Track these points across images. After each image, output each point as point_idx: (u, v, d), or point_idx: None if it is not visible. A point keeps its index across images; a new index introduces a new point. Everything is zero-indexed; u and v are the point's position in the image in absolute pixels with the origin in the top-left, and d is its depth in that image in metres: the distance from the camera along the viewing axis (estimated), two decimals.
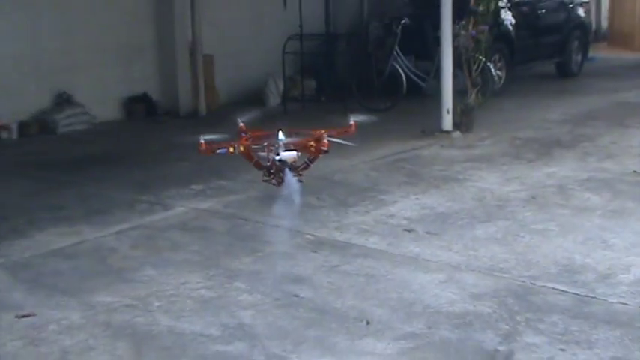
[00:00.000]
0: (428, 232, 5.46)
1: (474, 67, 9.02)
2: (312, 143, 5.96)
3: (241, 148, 6.00)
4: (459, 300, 4.28)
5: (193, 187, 6.73)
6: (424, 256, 5.00)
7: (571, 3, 13.52)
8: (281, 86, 11.56)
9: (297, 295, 4.40)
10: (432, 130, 8.72)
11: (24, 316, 4.22)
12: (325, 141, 5.87)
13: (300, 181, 5.95)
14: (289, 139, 5.92)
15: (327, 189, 6.63)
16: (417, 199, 6.30)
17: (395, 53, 10.82)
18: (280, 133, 5.88)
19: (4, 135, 9.28)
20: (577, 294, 4.32)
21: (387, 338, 3.85)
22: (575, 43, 13.67)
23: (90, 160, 8.08)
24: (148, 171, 7.28)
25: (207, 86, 11.06)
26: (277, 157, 5.77)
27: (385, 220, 5.75)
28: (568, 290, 4.37)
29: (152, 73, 10.95)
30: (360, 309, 4.19)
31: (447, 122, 8.69)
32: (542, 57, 13.06)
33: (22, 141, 9.30)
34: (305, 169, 6.15)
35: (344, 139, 6.23)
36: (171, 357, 3.73)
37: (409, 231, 5.50)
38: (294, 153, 5.88)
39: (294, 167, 5.95)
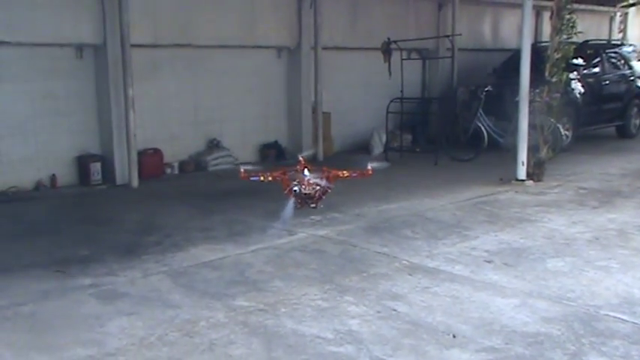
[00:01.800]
0: (505, 264, 5.31)
1: (546, 128, 8.77)
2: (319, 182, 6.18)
3: (270, 178, 6.29)
4: (532, 322, 4.13)
5: (313, 217, 6.77)
6: (501, 283, 4.86)
7: (632, 76, 12.98)
8: (384, 139, 11.61)
9: (395, 310, 4.36)
10: (508, 178, 8.55)
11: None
12: (330, 183, 6.15)
13: (314, 207, 6.22)
14: (310, 175, 6.17)
15: (420, 224, 6.59)
16: (496, 235, 6.16)
17: (479, 114, 10.70)
18: (306, 170, 6.08)
19: (168, 170, 9.71)
20: (636, 323, 4.10)
21: (470, 350, 3.76)
22: (635, 110, 13.14)
23: (233, 193, 8.27)
24: (277, 203, 7.35)
25: (324, 137, 11.26)
26: (295, 187, 6.01)
27: (468, 252, 5.64)
28: (628, 319, 4.15)
29: (282, 125, 11.24)
30: (447, 324, 4.12)
31: (522, 172, 8.51)
32: (604, 120, 12.58)
33: (181, 176, 9.71)
34: (319, 199, 6.26)
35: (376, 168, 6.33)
36: (294, 353, 3.76)
37: (488, 262, 5.37)
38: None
39: (310, 197, 6.16)
